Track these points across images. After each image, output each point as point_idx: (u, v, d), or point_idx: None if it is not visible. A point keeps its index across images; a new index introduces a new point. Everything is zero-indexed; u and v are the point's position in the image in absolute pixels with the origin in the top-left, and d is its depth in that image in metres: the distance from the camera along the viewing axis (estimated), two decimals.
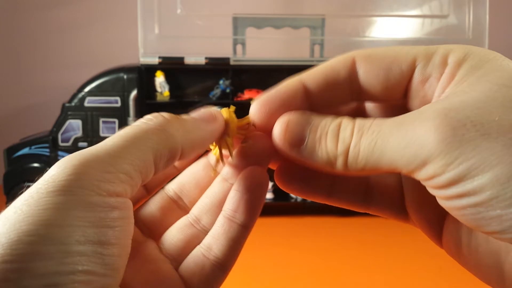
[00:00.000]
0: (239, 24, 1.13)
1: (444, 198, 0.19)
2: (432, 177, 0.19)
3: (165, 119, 0.22)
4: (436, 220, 0.24)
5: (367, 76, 0.22)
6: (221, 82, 1.13)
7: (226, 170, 0.26)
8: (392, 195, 0.25)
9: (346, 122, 0.21)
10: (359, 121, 0.21)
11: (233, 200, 0.24)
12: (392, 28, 1.16)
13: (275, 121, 0.23)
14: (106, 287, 0.18)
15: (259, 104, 0.24)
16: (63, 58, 1.47)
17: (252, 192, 0.24)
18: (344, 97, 0.24)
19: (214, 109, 0.24)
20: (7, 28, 1.47)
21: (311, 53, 1.15)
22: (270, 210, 1.22)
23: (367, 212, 0.25)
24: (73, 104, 1.12)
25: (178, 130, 0.22)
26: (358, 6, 1.16)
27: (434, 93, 0.21)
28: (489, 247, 0.22)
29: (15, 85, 1.49)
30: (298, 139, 0.22)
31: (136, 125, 0.22)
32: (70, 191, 0.18)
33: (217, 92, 1.14)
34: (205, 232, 0.25)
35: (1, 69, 1.48)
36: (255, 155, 0.25)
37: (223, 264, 0.24)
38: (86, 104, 1.11)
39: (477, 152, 0.17)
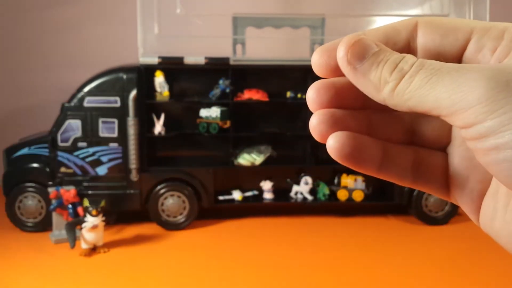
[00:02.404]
0: (238, 23, 1.13)
1: (481, 151, 0.20)
2: (472, 124, 0.19)
3: None
4: (476, 197, 0.25)
5: (424, 39, 0.23)
6: (220, 81, 1.13)
7: None
8: (437, 172, 0.26)
9: (410, 57, 0.22)
10: (422, 59, 0.22)
11: None
12: None
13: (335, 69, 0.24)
14: None
15: (321, 51, 0.25)
16: (62, 59, 1.47)
17: None
18: None
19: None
20: (7, 29, 1.47)
21: (311, 52, 1.15)
22: (270, 210, 1.22)
23: (412, 187, 0.26)
24: (72, 104, 1.12)
25: None
26: (358, 6, 1.16)
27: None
28: None
29: (14, 85, 1.49)
30: (359, 56, 0.22)
31: None
32: None
33: (217, 92, 1.14)
34: None
35: (1, 70, 1.48)
36: None
37: None
38: (85, 104, 1.11)
39: None
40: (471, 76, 0.19)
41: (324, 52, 0.25)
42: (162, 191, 1.14)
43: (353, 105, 0.25)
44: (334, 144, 0.25)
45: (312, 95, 0.25)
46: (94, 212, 0.98)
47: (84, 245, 0.98)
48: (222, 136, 1.14)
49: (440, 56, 0.23)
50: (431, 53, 0.23)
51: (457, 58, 0.23)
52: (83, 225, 0.99)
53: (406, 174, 0.26)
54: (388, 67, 0.22)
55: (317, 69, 0.25)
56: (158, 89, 1.13)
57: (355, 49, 0.23)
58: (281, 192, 1.18)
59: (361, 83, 0.23)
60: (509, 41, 0.21)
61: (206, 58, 1.10)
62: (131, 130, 1.10)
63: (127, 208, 1.13)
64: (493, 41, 0.22)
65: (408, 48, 0.24)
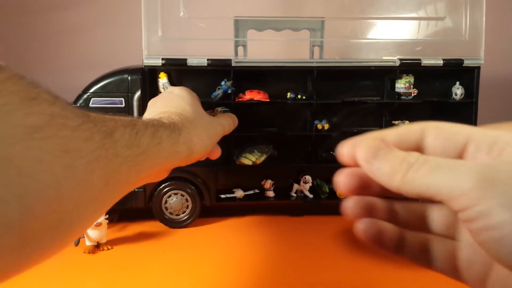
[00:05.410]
0: (240, 26, 1.14)
1: (474, 231, 0.24)
2: (466, 208, 0.23)
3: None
4: (481, 278, 0.30)
5: (431, 140, 0.29)
6: (222, 83, 1.14)
7: None
8: (446, 256, 0.32)
9: (415, 153, 0.28)
10: (426, 155, 0.27)
11: None
12: (390, 30, 1.18)
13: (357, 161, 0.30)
14: None
15: (348, 146, 0.31)
16: (68, 60, 1.49)
17: None
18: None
19: None
20: (14, 31, 1.49)
21: (310, 54, 1.17)
22: (271, 208, 1.24)
23: (426, 268, 0.33)
24: (78, 104, 1.13)
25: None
26: (357, 9, 1.18)
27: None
28: None
29: None
30: (373, 155, 0.29)
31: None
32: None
33: (219, 93, 1.15)
34: None
35: None
36: None
37: None
38: (91, 104, 1.13)
39: (506, 195, 0.22)
40: (466, 169, 0.24)
41: (350, 147, 0.31)
42: (165, 189, 1.15)
43: (376, 191, 0.32)
44: (362, 228, 0.33)
45: (343, 180, 0.33)
46: None
47: (88, 243, 0.99)
48: (224, 136, 1.15)
49: (444, 154, 0.29)
50: (437, 152, 0.29)
51: (459, 157, 0.29)
52: None
53: (420, 257, 0.33)
54: (398, 161, 0.28)
55: (344, 159, 0.32)
56: (161, 90, 1.15)
57: (370, 150, 0.29)
58: (281, 190, 1.19)
59: (377, 175, 0.29)
60: (500, 145, 0.26)
61: (208, 59, 1.12)
62: None
63: (131, 206, 1.15)
64: (488, 144, 0.27)
65: (417, 147, 0.30)
